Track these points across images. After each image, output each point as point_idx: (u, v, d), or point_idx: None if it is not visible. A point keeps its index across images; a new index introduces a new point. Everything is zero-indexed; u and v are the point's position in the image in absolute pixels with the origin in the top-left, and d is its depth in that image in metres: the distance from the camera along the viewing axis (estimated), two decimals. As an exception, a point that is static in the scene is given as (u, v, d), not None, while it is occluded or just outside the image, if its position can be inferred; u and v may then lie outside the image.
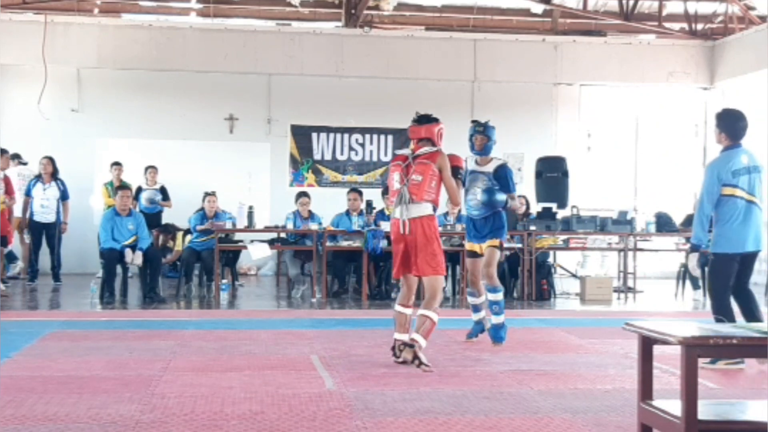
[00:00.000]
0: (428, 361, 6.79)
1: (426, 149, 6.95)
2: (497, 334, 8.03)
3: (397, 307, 7.13)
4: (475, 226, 8.10)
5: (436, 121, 7.08)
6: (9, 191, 12.71)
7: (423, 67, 16.45)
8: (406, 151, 7.11)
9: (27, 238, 13.77)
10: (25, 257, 14.14)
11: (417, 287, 7.17)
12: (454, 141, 17.51)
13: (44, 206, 13.39)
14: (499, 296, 8.00)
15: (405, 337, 6.98)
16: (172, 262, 13.91)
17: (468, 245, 8.21)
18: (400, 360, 6.90)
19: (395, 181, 6.96)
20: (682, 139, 17.36)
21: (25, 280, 13.56)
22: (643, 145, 17.30)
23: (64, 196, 13.53)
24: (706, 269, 7.52)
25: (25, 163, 14.37)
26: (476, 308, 8.28)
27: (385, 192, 12.99)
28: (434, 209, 6.93)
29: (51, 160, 13.55)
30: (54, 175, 13.51)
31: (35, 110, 15.48)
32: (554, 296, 12.68)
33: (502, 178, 8.07)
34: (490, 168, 8.13)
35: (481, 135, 8.12)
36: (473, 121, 8.38)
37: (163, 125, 16.00)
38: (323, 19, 17.24)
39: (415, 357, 6.74)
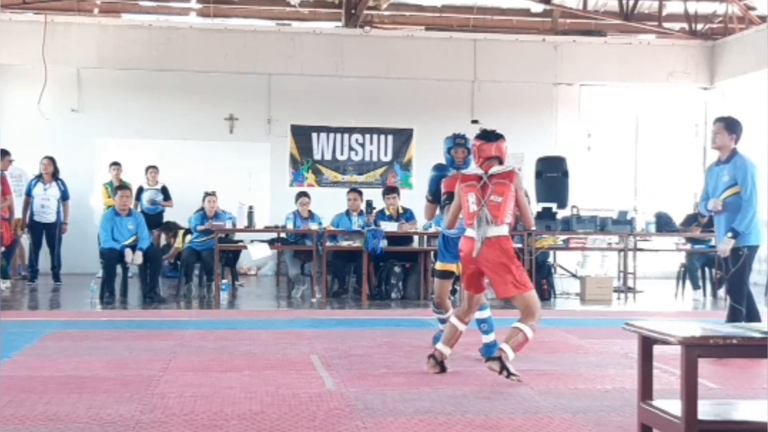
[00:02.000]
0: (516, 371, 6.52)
1: (499, 168, 6.61)
2: (489, 351, 7.34)
3: (453, 319, 6.89)
4: (450, 245, 7.47)
5: (503, 137, 6.84)
6: (5, 191, 12.69)
7: (423, 67, 16.45)
8: (475, 171, 6.71)
9: (26, 238, 13.77)
10: (21, 257, 14.16)
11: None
12: (454, 141, 17.52)
13: (44, 206, 13.39)
14: (488, 313, 7.54)
15: (447, 351, 6.74)
16: (171, 258, 13.91)
17: (441, 265, 7.63)
18: (426, 370, 6.68)
19: (471, 203, 6.57)
20: (682, 139, 17.36)
21: (25, 280, 13.57)
22: (643, 145, 17.30)
23: (64, 197, 13.53)
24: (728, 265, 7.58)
25: (11, 160, 14.26)
26: (443, 321, 7.67)
27: (386, 192, 13.01)
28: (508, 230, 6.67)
29: (52, 160, 13.55)
30: (55, 175, 13.50)
31: (35, 110, 15.48)
32: (554, 296, 12.68)
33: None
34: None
35: (463, 148, 7.55)
36: (454, 134, 7.79)
37: (163, 125, 16.00)
38: (323, 19, 17.24)
39: (503, 368, 6.35)
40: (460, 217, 7.16)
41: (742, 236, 7.37)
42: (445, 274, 7.67)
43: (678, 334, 4.13)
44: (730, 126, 7.77)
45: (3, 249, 12.99)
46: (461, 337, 7.04)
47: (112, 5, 17.04)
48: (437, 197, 7.47)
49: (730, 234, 7.40)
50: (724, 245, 7.47)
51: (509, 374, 6.38)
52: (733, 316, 7.40)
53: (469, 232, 6.61)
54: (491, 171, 6.63)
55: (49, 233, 13.46)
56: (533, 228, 7.32)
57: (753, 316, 7.40)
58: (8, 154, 13.54)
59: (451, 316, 6.95)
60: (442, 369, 6.73)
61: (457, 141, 7.60)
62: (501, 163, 6.71)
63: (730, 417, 4.32)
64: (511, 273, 6.52)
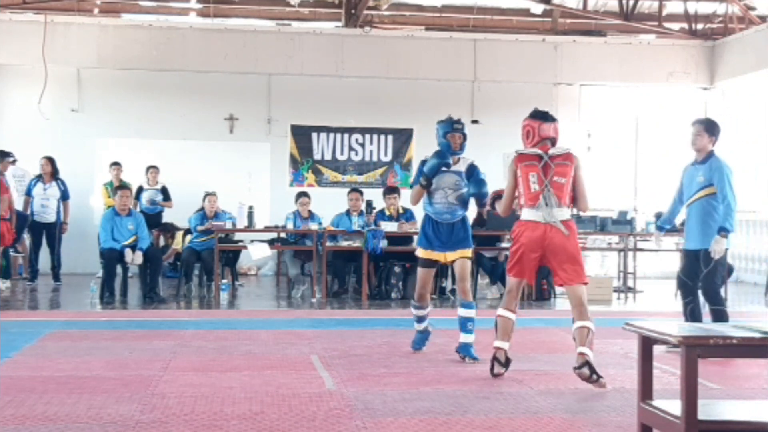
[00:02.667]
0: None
1: (559, 149, 6.49)
2: (469, 351, 7.33)
3: (505, 313, 6.58)
4: (440, 231, 7.38)
5: (557, 120, 6.72)
6: (2, 191, 12.67)
7: (423, 67, 16.45)
8: (532, 150, 6.52)
9: (26, 238, 13.76)
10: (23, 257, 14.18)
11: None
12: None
13: (44, 206, 13.39)
14: (474, 312, 7.39)
15: (507, 345, 6.54)
16: (169, 258, 13.90)
17: (424, 253, 7.42)
18: (496, 373, 6.49)
19: (532, 182, 6.38)
20: (682, 139, 17.29)
21: (25, 280, 13.57)
22: (643, 145, 17.30)
23: (64, 196, 13.53)
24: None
25: (13, 161, 14.27)
26: (421, 319, 7.68)
27: (387, 192, 13.00)
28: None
29: (50, 160, 13.55)
30: (54, 175, 13.51)
31: (35, 110, 15.48)
32: (554, 296, 12.67)
33: (476, 177, 7.44)
34: (461, 167, 7.47)
35: (459, 133, 7.42)
36: (451, 119, 7.57)
37: (163, 125, 16.00)
38: (323, 19, 17.24)
39: (593, 372, 6.17)
40: (441, 200, 7.28)
41: (709, 237, 7.52)
42: (429, 263, 7.47)
43: (678, 334, 4.13)
44: (710, 128, 7.84)
45: (12, 249, 13.04)
46: (458, 335, 7.04)
47: (112, 5, 17.04)
48: (431, 183, 7.34)
49: (722, 233, 7.47)
50: (717, 245, 7.50)
51: (598, 377, 6.20)
52: (718, 318, 7.47)
53: (530, 215, 6.38)
54: (551, 152, 6.47)
55: (49, 233, 13.46)
56: (588, 211, 7.23)
57: (696, 317, 7.70)
58: (9, 156, 13.54)
59: (501, 310, 6.64)
60: (508, 365, 6.57)
61: (455, 126, 7.45)
62: (554, 145, 6.56)
63: (730, 417, 4.32)
64: (579, 260, 6.40)
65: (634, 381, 4.70)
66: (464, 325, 7.35)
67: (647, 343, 4.47)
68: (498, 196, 7.40)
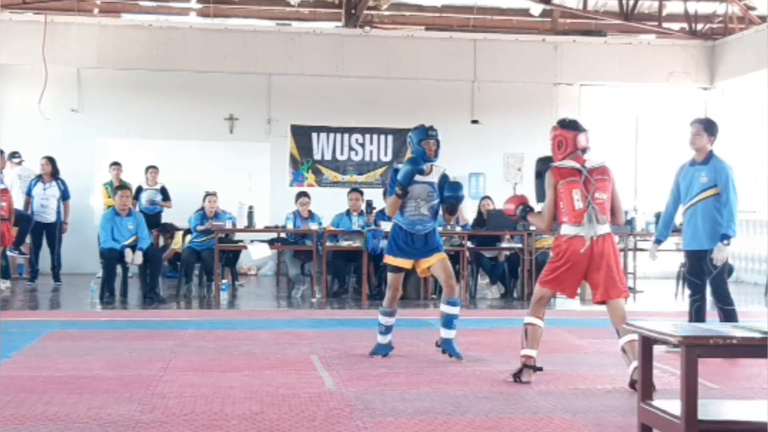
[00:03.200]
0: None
1: (596, 162, 6.43)
2: (453, 348, 7.31)
3: (535, 320, 6.46)
4: (413, 241, 7.30)
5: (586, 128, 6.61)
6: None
7: (423, 67, 16.45)
8: (570, 164, 6.41)
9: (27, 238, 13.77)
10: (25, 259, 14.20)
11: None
12: (455, 142, 17.55)
13: (44, 206, 13.40)
14: (458, 309, 7.35)
15: (535, 353, 6.40)
16: (168, 259, 13.90)
17: (394, 260, 7.35)
18: (526, 381, 6.32)
19: (576, 200, 6.29)
20: (682, 139, 17.29)
21: (25, 280, 13.58)
22: (643, 145, 17.30)
23: (64, 196, 13.53)
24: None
25: (20, 162, 14.31)
26: (387, 330, 7.50)
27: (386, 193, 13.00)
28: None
29: (50, 159, 13.56)
30: (54, 174, 13.51)
31: (35, 110, 15.48)
32: (554, 296, 12.65)
33: (450, 182, 7.42)
34: (434, 177, 7.42)
35: (434, 140, 7.36)
36: (424, 126, 7.52)
37: (163, 125, 16.00)
38: (323, 19, 17.24)
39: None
40: (413, 211, 7.27)
41: (716, 238, 7.50)
42: (396, 269, 7.40)
43: (678, 334, 4.13)
44: (709, 128, 7.81)
45: (16, 251, 13.06)
46: (458, 335, 7.03)
47: (112, 5, 17.04)
48: (406, 192, 7.30)
49: (725, 241, 7.48)
50: (720, 253, 7.51)
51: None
52: (728, 318, 7.50)
53: (574, 230, 6.30)
54: (588, 165, 6.39)
55: (49, 233, 13.46)
56: (622, 224, 7.10)
57: (700, 317, 7.77)
58: (15, 155, 13.59)
59: (530, 318, 6.48)
60: (538, 369, 6.44)
61: (429, 133, 7.40)
62: (584, 153, 6.49)
63: (730, 417, 4.32)
64: (620, 273, 6.37)
65: (634, 381, 4.70)
66: (450, 321, 7.29)
67: (647, 343, 4.47)
68: (523, 203, 7.28)
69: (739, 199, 7.60)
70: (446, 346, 7.33)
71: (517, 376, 6.37)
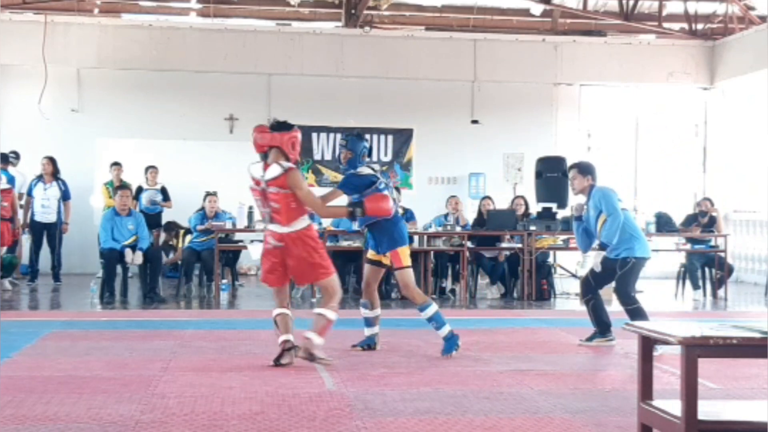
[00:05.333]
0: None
1: (274, 173, 6.77)
2: (449, 346, 7.43)
3: (281, 311, 7.23)
4: (372, 235, 7.61)
5: (290, 128, 6.88)
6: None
7: (423, 67, 16.45)
8: (256, 173, 6.99)
9: (27, 238, 13.78)
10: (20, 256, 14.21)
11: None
12: (455, 142, 17.52)
13: (45, 206, 13.40)
14: (432, 310, 7.42)
15: (291, 337, 7.00)
16: (174, 262, 13.88)
17: (370, 253, 7.68)
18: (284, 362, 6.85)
19: (258, 206, 7.12)
20: (682, 139, 17.36)
21: (25, 280, 13.58)
22: (643, 145, 17.30)
23: (65, 196, 13.53)
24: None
25: (15, 161, 14.28)
26: (368, 322, 7.75)
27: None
28: (311, 217, 6.91)
29: (51, 160, 13.56)
30: (55, 175, 13.51)
31: (35, 110, 15.48)
32: (554, 296, 12.68)
33: (343, 184, 7.55)
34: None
35: (344, 149, 7.46)
36: (344, 135, 7.67)
37: (163, 125, 15.99)
38: (323, 19, 17.24)
39: (310, 357, 6.79)
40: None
41: (627, 249, 7.96)
42: (369, 261, 7.72)
43: (678, 334, 4.13)
44: (584, 170, 8.37)
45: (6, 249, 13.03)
46: (467, 335, 7.01)
47: (112, 5, 17.04)
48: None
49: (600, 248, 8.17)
50: (594, 260, 8.21)
51: (314, 359, 6.70)
52: (636, 316, 7.70)
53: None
54: (267, 176, 6.84)
55: (49, 233, 13.46)
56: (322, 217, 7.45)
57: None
58: (11, 153, 13.59)
59: (276, 310, 7.19)
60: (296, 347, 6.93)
61: (340, 142, 7.62)
62: (283, 154, 6.81)
63: (730, 417, 4.32)
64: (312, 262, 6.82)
65: (634, 381, 4.70)
66: (430, 323, 7.52)
67: (647, 343, 4.47)
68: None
69: (623, 213, 8.09)
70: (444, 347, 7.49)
71: (277, 360, 6.86)
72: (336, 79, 16.40)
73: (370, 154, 7.64)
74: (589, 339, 8.18)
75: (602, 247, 8.11)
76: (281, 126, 6.91)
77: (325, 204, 7.13)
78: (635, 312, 7.89)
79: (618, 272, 7.97)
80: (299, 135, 6.93)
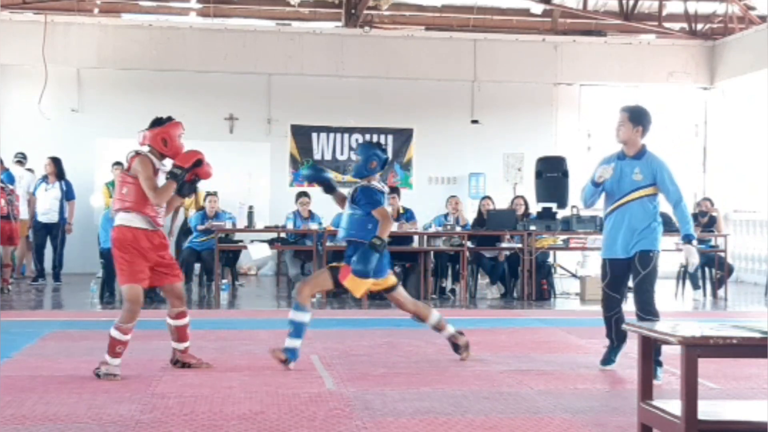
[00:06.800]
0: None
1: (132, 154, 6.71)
2: (293, 356, 6.86)
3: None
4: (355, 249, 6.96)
5: (162, 124, 6.73)
6: None
7: (423, 67, 16.46)
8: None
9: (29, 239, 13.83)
10: (21, 257, 14.23)
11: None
12: (455, 142, 17.52)
13: (47, 206, 13.41)
14: (302, 318, 6.90)
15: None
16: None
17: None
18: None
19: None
20: (682, 139, 17.37)
21: (29, 280, 13.62)
22: (643, 145, 17.28)
23: (68, 197, 13.55)
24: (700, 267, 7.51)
25: (24, 161, 14.35)
26: (300, 329, 6.95)
27: (389, 192, 13.01)
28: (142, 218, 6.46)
29: (53, 160, 13.58)
30: (59, 175, 13.52)
31: (35, 110, 15.48)
32: (554, 296, 12.68)
33: (360, 198, 6.98)
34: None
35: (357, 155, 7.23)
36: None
37: (162, 125, 15.96)
38: (323, 19, 17.25)
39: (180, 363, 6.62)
40: None
41: (655, 240, 6.79)
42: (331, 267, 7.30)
43: (678, 334, 4.13)
44: (636, 117, 6.74)
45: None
46: (467, 335, 7.01)
47: (112, 5, 17.04)
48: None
49: (694, 242, 6.91)
50: (692, 257, 6.92)
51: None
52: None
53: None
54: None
55: (52, 234, 13.50)
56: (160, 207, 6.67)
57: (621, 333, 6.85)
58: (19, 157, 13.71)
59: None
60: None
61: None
62: (157, 151, 6.73)
63: (730, 417, 4.32)
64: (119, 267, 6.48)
65: (634, 381, 4.70)
66: (296, 328, 6.92)
67: (647, 343, 4.47)
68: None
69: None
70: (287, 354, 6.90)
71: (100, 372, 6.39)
72: (336, 79, 16.40)
73: (383, 167, 7.15)
74: (609, 360, 6.96)
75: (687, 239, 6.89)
76: (155, 123, 6.78)
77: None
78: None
79: (642, 271, 6.70)
80: (174, 129, 6.72)
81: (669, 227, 13.60)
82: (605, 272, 6.86)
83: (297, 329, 6.86)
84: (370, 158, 7.09)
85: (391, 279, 7.10)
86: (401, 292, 7.19)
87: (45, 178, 13.56)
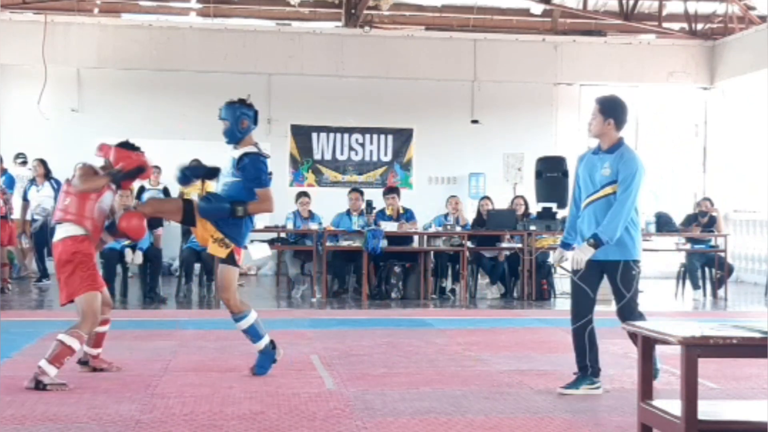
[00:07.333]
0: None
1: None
2: (264, 362, 6.52)
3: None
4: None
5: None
6: None
7: (423, 67, 16.46)
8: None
9: (26, 242, 13.82)
10: (20, 260, 14.24)
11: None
12: (455, 142, 17.51)
13: (43, 208, 13.41)
14: (245, 323, 6.44)
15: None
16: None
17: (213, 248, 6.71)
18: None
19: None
20: (682, 139, 17.37)
21: (32, 280, 13.63)
22: (643, 145, 17.29)
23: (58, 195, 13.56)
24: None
25: (24, 162, 14.36)
26: (257, 333, 6.53)
27: (386, 192, 13.03)
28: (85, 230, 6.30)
29: (42, 162, 13.59)
30: (47, 175, 13.53)
31: (35, 110, 15.48)
32: (554, 296, 12.68)
33: (247, 169, 6.59)
34: (237, 154, 6.67)
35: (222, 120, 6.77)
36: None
37: (163, 125, 15.98)
38: (323, 19, 17.24)
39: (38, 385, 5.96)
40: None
41: (629, 249, 5.99)
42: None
43: (678, 334, 4.13)
44: (606, 109, 6.19)
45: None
46: (458, 335, 6.98)
47: (112, 5, 17.04)
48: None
49: (591, 240, 5.92)
50: (580, 254, 6.04)
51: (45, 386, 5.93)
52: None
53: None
54: None
55: (51, 233, 13.50)
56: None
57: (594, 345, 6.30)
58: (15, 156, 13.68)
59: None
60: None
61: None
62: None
63: (730, 417, 4.32)
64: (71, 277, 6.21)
65: (634, 381, 4.70)
66: (248, 334, 6.55)
67: (647, 343, 4.47)
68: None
69: (637, 203, 6.03)
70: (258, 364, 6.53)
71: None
72: (336, 79, 16.40)
73: (256, 123, 6.75)
74: (575, 384, 6.15)
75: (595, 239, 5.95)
76: (125, 145, 7.06)
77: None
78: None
79: (619, 286, 6.19)
80: (138, 163, 6.82)
81: (669, 227, 13.73)
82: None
83: (253, 332, 6.48)
84: (239, 119, 6.68)
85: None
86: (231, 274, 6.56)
87: (33, 181, 13.58)
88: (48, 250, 13.52)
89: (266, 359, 6.52)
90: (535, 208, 13.30)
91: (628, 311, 6.16)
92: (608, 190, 5.99)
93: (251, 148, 6.65)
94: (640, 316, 6.05)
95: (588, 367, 6.15)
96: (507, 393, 6.03)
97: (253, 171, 6.59)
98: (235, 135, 6.66)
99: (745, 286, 15.14)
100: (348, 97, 16.55)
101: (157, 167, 14.57)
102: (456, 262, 12.65)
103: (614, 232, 5.88)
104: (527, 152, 15.68)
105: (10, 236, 12.51)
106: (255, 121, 6.77)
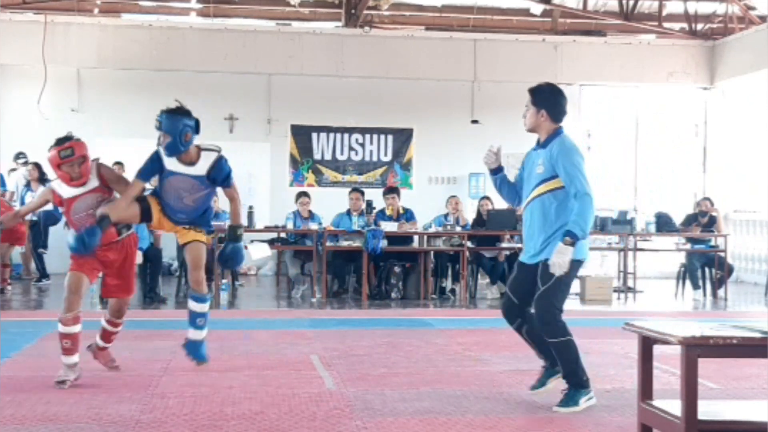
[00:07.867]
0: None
1: None
2: (198, 351, 6.61)
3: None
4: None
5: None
6: None
7: (423, 67, 16.45)
8: None
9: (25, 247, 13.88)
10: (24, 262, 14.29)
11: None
12: (455, 142, 17.52)
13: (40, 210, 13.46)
14: (206, 307, 6.62)
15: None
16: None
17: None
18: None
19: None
20: (682, 139, 17.37)
21: (32, 280, 13.64)
22: (643, 145, 17.31)
23: None
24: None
25: (25, 162, 14.38)
26: (200, 318, 6.65)
27: (386, 192, 13.03)
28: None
29: (36, 165, 13.62)
30: (41, 179, 13.56)
31: (35, 110, 15.49)
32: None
33: (224, 169, 6.63)
34: (200, 170, 6.61)
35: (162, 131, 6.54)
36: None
37: (163, 125, 15.97)
38: (323, 19, 17.24)
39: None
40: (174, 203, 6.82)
41: (577, 249, 5.46)
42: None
43: (678, 334, 4.13)
44: (537, 99, 5.92)
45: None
46: (458, 335, 6.98)
47: (112, 5, 17.04)
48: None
49: (567, 239, 5.40)
50: (560, 256, 5.40)
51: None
52: (561, 353, 5.55)
53: None
54: None
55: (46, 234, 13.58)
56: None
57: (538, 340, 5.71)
58: (15, 156, 13.69)
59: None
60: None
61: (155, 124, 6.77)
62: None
63: (730, 417, 4.32)
64: None
65: (634, 381, 4.70)
66: (195, 320, 6.59)
67: (647, 343, 4.47)
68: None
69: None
70: (189, 349, 6.63)
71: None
72: (336, 79, 16.40)
73: (198, 131, 6.64)
74: (542, 383, 5.70)
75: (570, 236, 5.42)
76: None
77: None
78: (564, 348, 5.47)
79: (540, 286, 5.57)
80: (53, 155, 6.65)
81: (669, 227, 13.73)
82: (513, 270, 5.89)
83: (207, 318, 6.68)
84: (182, 132, 6.54)
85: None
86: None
87: (28, 185, 13.62)
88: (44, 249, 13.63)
89: (204, 347, 6.65)
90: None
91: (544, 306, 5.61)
92: (541, 188, 5.56)
93: (212, 154, 6.73)
94: (557, 323, 5.59)
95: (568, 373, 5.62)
96: (507, 393, 6.04)
97: (227, 170, 6.69)
98: (177, 148, 6.52)
99: (745, 286, 15.14)
100: (348, 97, 16.55)
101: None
102: (456, 262, 12.65)
103: (585, 224, 5.47)
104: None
105: (20, 236, 12.57)
106: (197, 131, 6.68)
